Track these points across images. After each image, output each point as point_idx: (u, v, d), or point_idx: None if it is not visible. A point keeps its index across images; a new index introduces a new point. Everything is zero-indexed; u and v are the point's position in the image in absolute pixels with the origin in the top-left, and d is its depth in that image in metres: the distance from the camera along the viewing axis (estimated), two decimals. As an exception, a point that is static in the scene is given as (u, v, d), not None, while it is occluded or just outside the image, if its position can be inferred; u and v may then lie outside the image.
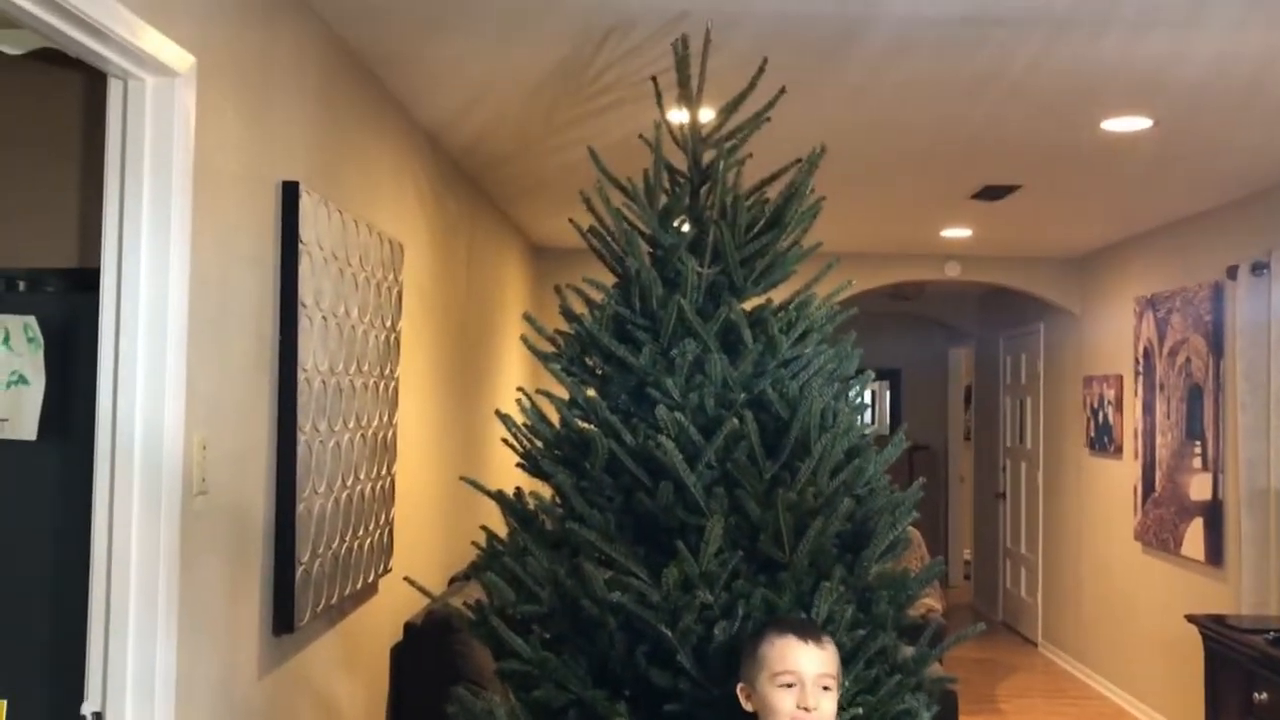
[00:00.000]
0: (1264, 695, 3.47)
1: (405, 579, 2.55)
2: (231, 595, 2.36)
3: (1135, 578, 6.02)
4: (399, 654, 3.69)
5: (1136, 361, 5.96)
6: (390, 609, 3.60)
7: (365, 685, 3.37)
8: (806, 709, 1.86)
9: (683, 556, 2.07)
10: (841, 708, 1.98)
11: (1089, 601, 6.78)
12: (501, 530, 2.42)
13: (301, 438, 2.58)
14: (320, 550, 2.73)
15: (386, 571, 3.41)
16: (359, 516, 3.06)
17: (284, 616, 2.55)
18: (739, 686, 1.96)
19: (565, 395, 2.38)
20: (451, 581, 4.40)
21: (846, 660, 2.10)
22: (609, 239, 2.38)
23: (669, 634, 2.06)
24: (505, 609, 2.28)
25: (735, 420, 2.16)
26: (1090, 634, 6.73)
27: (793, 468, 2.18)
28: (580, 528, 2.16)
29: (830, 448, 2.18)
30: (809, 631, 1.93)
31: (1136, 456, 5.97)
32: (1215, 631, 3.81)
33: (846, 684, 2.08)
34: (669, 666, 2.09)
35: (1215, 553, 5.02)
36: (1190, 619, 3.98)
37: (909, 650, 2.30)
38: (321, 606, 2.75)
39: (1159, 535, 5.65)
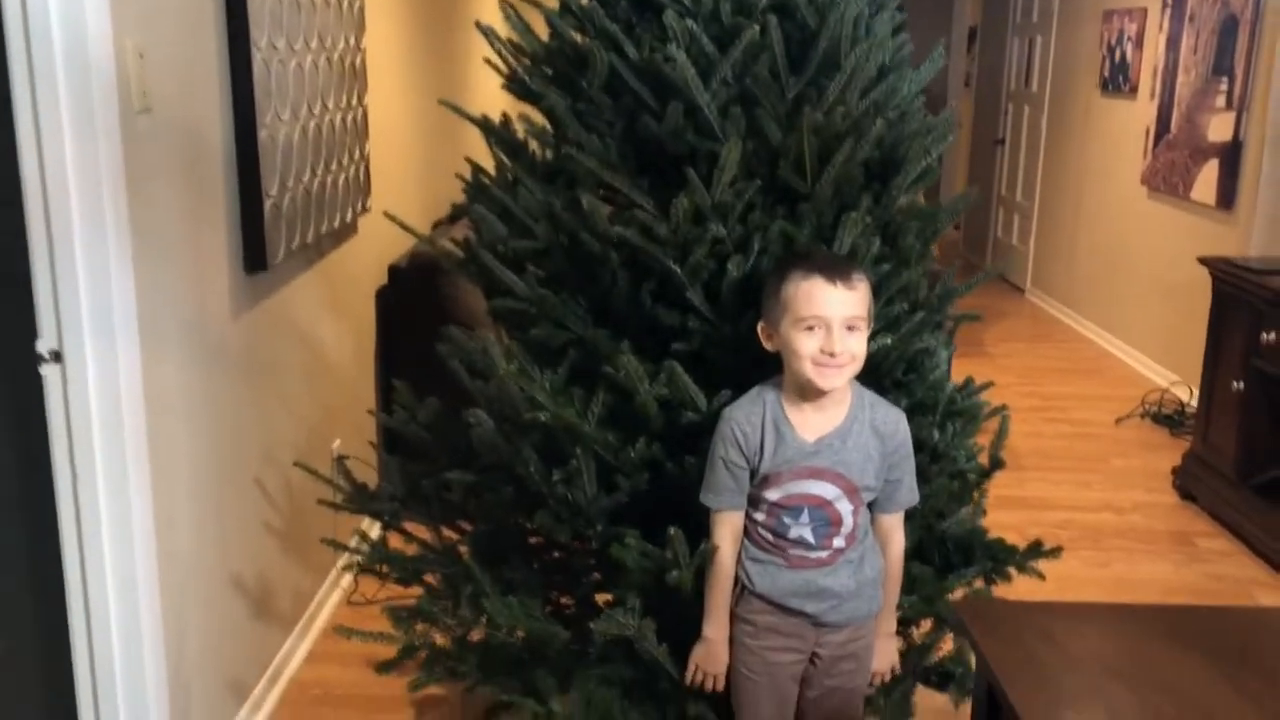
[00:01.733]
0: (1272, 335, 3.39)
1: (385, 214, 2.33)
2: (193, 227, 2.14)
3: (1136, 223, 5.89)
4: (384, 297, 3.55)
5: (1166, -8, 5.51)
6: (372, 251, 3.41)
7: (352, 329, 3.25)
8: (831, 354, 1.70)
9: (693, 186, 1.84)
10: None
11: (1084, 248, 6.70)
12: (488, 164, 2.18)
13: (257, 55, 2.28)
14: (289, 183, 2.49)
15: (365, 210, 3.20)
16: (330, 150, 2.80)
17: (255, 252, 2.35)
18: (760, 326, 1.80)
19: (555, 2, 2.07)
20: (435, 226, 4.20)
21: (869, 296, 1.94)
22: None
23: (677, 270, 1.88)
24: (496, 245, 2.08)
25: (755, 29, 1.87)
26: (1082, 280, 6.70)
27: (819, 85, 1.91)
28: (578, 154, 1.92)
29: (863, 62, 1.91)
30: (838, 271, 1.73)
31: (1153, 96, 5.66)
32: (1228, 273, 3.70)
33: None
34: (677, 304, 1.93)
35: (1227, 196, 4.85)
36: (1203, 261, 3.86)
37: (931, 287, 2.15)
38: (296, 244, 2.56)
39: (1168, 179, 5.45)
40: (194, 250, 2.15)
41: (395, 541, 2.31)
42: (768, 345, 1.79)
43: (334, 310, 3.06)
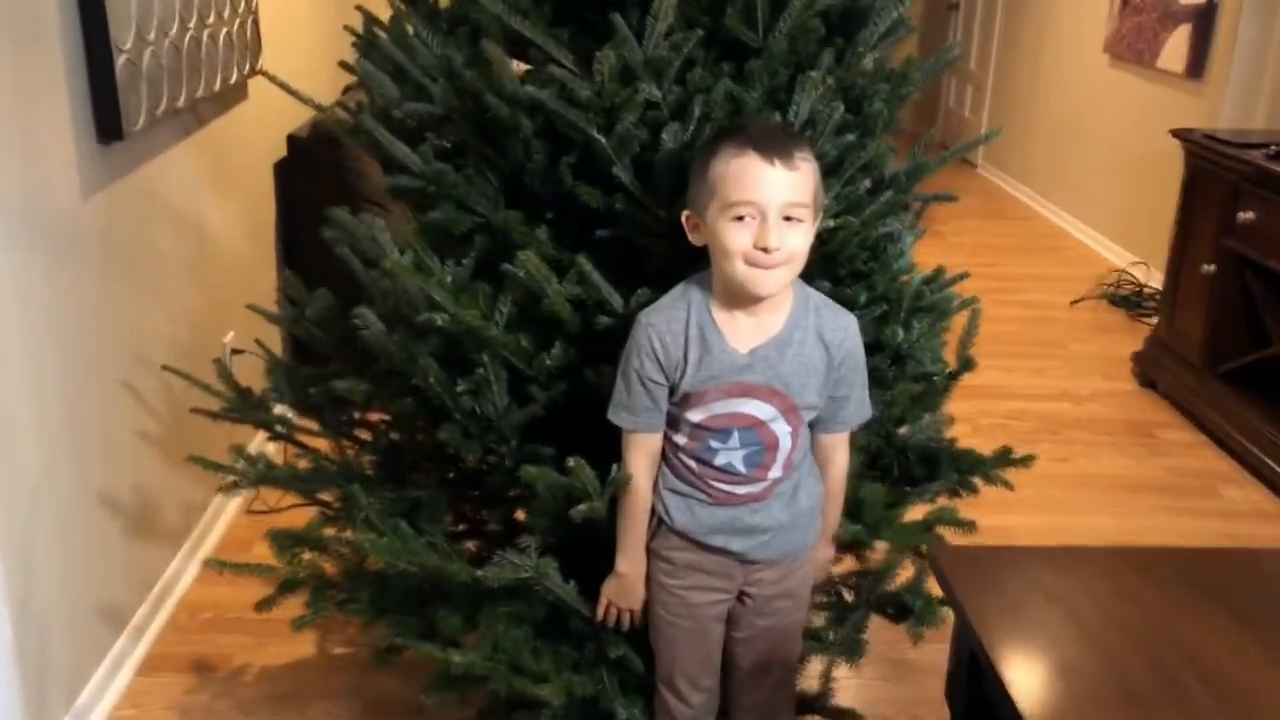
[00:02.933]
0: (1250, 214, 3.16)
1: (262, 73, 1.97)
2: (23, 90, 1.78)
3: (1098, 93, 5.60)
4: (284, 171, 3.18)
5: None
6: (267, 119, 3.03)
7: (244, 208, 2.89)
8: (765, 249, 1.38)
9: (622, 38, 1.52)
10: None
11: (1041, 120, 6.42)
12: (385, 12, 1.83)
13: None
14: (150, 36, 2.11)
15: (255, 73, 2.81)
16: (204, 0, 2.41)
17: (109, 119, 1.99)
18: (684, 215, 1.49)
19: None
20: (346, 90, 3.80)
21: (829, 172, 1.64)
22: None
23: (602, 140, 1.56)
24: (389, 110, 1.75)
25: None
26: (1038, 155, 6.43)
27: (773, -86, 1.58)
28: (481, -3, 1.58)
29: (825, -113, 1.58)
30: (775, 147, 1.40)
31: (1120, -44, 5.32)
32: (1203, 146, 3.44)
33: (827, 203, 1.64)
34: (602, 182, 1.62)
35: (1198, 64, 4.57)
36: (1176, 134, 3.59)
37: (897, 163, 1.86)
38: (163, 109, 2.19)
39: (1134, 45, 5.15)
40: (27, 116, 1.79)
41: (292, 454, 2.02)
42: (694, 238, 1.48)
43: (220, 187, 2.70)
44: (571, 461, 1.53)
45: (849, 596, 1.92)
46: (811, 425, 1.57)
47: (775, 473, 1.52)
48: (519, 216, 1.66)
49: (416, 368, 1.64)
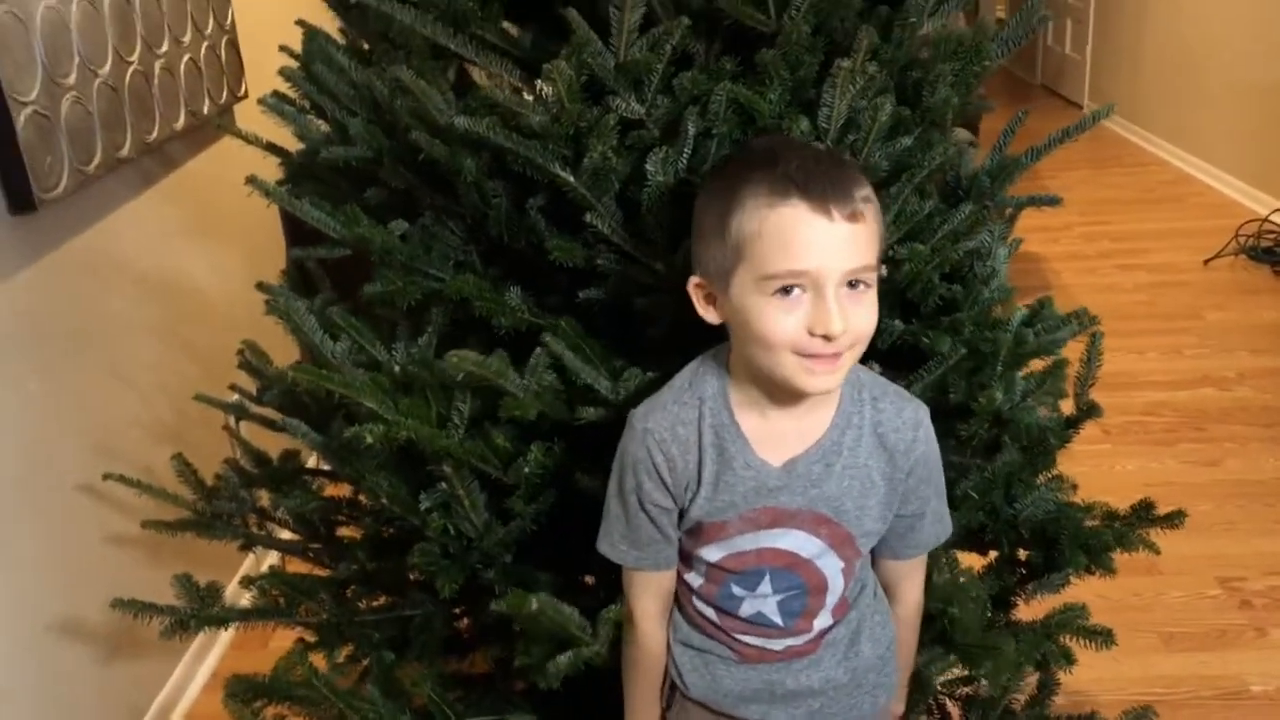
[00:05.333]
0: None
1: (218, 125, 1.64)
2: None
3: (1220, 13, 4.96)
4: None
5: None
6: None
7: (244, 251, 2.57)
8: (827, 336, 0.96)
9: (581, 39, 1.13)
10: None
11: (1151, 51, 5.77)
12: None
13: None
14: (68, 80, 1.79)
15: (239, 98, 2.48)
16: (150, 24, 2.08)
17: (15, 187, 1.67)
18: (692, 282, 1.06)
19: None
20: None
21: (881, 187, 1.23)
22: None
23: (568, 177, 1.17)
24: (318, 155, 1.39)
25: None
26: (1151, 91, 5.79)
27: None
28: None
29: None
30: (829, 188, 0.96)
31: None
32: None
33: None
34: (580, 230, 1.23)
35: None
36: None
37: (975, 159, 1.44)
38: (97, 163, 1.86)
39: (1258, -40, 4.52)
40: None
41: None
42: (707, 315, 1.06)
43: (205, 234, 2.38)
44: (535, 602, 1.15)
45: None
46: (873, 550, 1.16)
47: (823, 621, 1.12)
48: (478, 280, 1.28)
49: (365, 485, 1.29)
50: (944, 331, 1.33)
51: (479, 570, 1.34)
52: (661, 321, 1.24)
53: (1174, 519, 1.54)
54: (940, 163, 1.30)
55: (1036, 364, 1.44)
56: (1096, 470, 2.71)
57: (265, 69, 2.63)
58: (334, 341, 1.29)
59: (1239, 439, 2.89)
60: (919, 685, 1.39)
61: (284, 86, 1.51)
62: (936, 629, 1.37)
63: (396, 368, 1.28)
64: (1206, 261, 4.16)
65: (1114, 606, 1.62)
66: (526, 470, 1.23)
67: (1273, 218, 4.30)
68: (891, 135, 1.23)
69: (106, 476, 1.79)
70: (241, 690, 1.48)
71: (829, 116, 1.18)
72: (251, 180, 1.30)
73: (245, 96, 2.52)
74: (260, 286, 1.44)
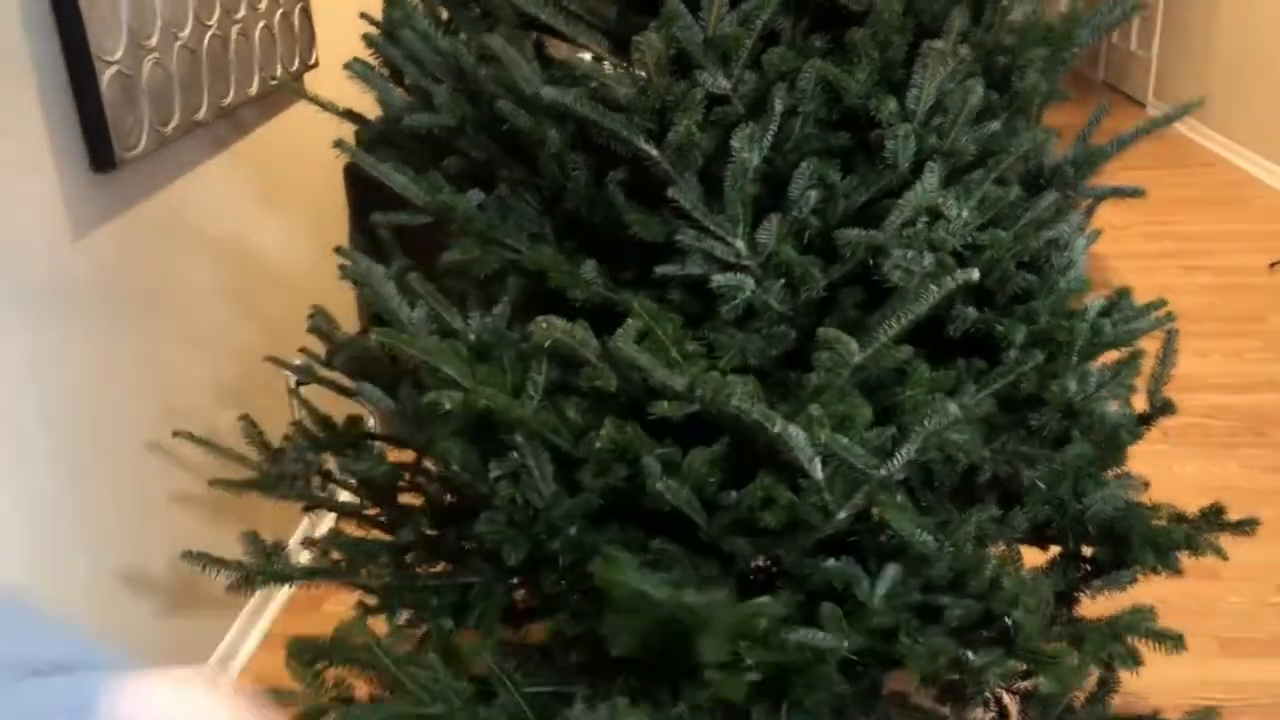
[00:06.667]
0: None
1: (283, 84, 1.65)
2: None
3: (1292, 17, 4.86)
4: (355, 173, 2.87)
5: None
6: (331, 117, 2.72)
7: (311, 221, 2.60)
8: None
9: (671, 12, 1.12)
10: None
11: (1221, 49, 5.66)
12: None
13: None
14: (150, 41, 1.81)
15: (309, 66, 2.50)
16: (231, -9, 2.10)
17: (98, 144, 1.70)
18: None
19: None
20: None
21: (966, 170, 1.22)
22: None
23: (652, 151, 1.17)
24: (399, 122, 1.40)
25: None
26: (1219, 89, 5.68)
27: None
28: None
29: None
30: None
31: None
32: None
33: (966, 215, 1.21)
34: (659, 206, 1.23)
35: None
36: None
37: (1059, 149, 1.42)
38: (175, 124, 1.89)
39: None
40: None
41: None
42: None
43: (274, 202, 2.40)
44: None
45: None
46: None
47: None
48: (555, 252, 1.29)
49: (434, 451, 1.30)
50: (1019, 320, 1.32)
51: (543, 540, 1.35)
52: (738, 300, 1.24)
53: (1245, 526, 1.52)
54: (1027, 150, 1.29)
55: (1110, 355, 1.43)
56: (1155, 471, 2.64)
57: (335, 38, 2.66)
58: (410, 309, 1.30)
59: (1302, 446, 2.84)
60: (973, 678, 1.38)
61: (364, 53, 1.52)
62: (996, 629, 1.36)
63: (472, 335, 1.29)
64: (1272, 265, 4.08)
65: (1172, 610, 1.60)
66: (598, 445, 1.24)
67: (1342, 223, 4.21)
68: (979, 120, 1.22)
69: (176, 434, 1.83)
70: (302, 652, 1.50)
71: (917, 98, 1.17)
72: (340, 144, 1.30)
73: (316, 65, 2.54)
74: (339, 250, 1.45)
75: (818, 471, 1.13)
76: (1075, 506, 1.44)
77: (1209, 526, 1.54)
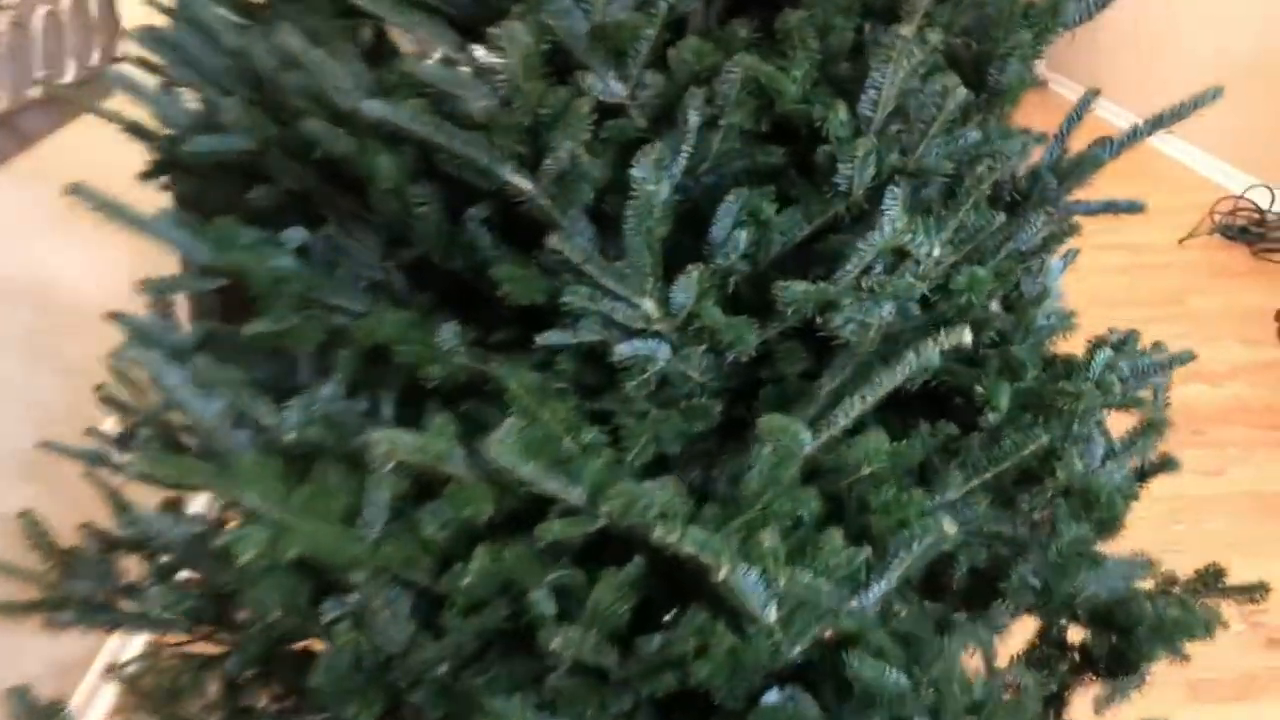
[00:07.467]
0: None
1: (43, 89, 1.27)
2: None
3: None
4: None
5: None
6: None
7: (125, 242, 2.19)
8: None
9: (542, -10, 0.80)
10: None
11: (1114, 18, 5.53)
12: None
13: None
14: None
15: (112, 60, 2.10)
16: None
17: None
18: None
19: None
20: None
21: (943, 197, 0.92)
22: None
23: (524, 184, 0.85)
24: (181, 141, 1.04)
25: None
26: (1115, 60, 5.56)
27: None
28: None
29: None
30: None
31: None
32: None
33: (937, 249, 0.92)
34: (540, 247, 0.91)
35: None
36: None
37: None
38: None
39: (1234, -78, 4.28)
40: None
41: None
42: None
43: (72, 225, 2.00)
44: None
45: None
46: None
47: None
48: (400, 315, 0.96)
49: (244, 602, 0.96)
50: (999, 375, 1.04)
51: (402, 691, 1.03)
52: (649, 374, 0.93)
53: (1255, 591, 1.28)
54: (996, 155, 1.00)
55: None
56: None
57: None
58: (207, 399, 0.96)
59: (1239, 445, 2.66)
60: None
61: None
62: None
63: (292, 434, 0.96)
64: (1181, 241, 3.94)
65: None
66: (467, 580, 0.91)
67: (1246, 195, 4.09)
68: (950, 128, 0.93)
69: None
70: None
71: (874, 101, 0.87)
72: (76, 190, 0.95)
73: (124, 60, 2.14)
74: (115, 316, 1.10)
75: (771, 616, 0.83)
76: (1065, 591, 1.18)
77: (1208, 591, 1.30)
